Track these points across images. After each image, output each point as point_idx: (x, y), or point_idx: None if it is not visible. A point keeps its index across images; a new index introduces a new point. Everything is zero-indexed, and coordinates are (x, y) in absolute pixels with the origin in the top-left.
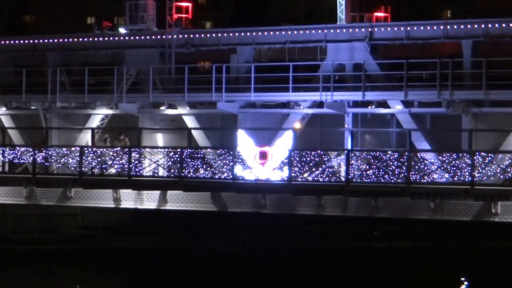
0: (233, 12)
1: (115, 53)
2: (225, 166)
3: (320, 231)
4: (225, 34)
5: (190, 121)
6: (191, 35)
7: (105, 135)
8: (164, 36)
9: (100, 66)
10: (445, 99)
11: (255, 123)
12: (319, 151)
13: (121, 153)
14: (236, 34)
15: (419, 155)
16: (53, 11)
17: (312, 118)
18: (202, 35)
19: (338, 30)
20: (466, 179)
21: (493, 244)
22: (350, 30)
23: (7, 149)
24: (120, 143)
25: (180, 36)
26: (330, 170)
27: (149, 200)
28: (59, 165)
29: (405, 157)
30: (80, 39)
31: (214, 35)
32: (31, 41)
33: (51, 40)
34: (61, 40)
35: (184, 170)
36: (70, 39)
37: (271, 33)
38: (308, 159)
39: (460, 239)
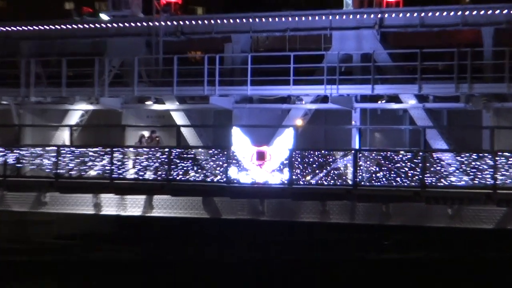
0: None
1: (96, 42)
2: (218, 168)
3: (324, 240)
4: (219, 21)
5: (179, 118)
6: (181, 22)
7: (140, 133)
8: (150, 23)
9: (79, 57)
10: (463, 93)
11: (252, 119)
12: (323, 151)
13: (102, 153)
14: (231, 21)
15: (434, 156)
16: None
17: (315, 114)
18: (193, 22)
19: (344, 17)
20: (488, 183)
21: None
22: (358, 16)
23: None
24: (152, 142)
25: (169, 23)
26: (336, 172)
27: (133, 206)
28: (33, 166)
29: (419, 157)
30: (58, 27)
31: (206, 22)
32: (3, 28)
33: (25, 28)
34: (36, 27)
35: (172, 172)
36: (46, 27)
37: (270, 19)
38: (311, 160)
39: (481, 249)
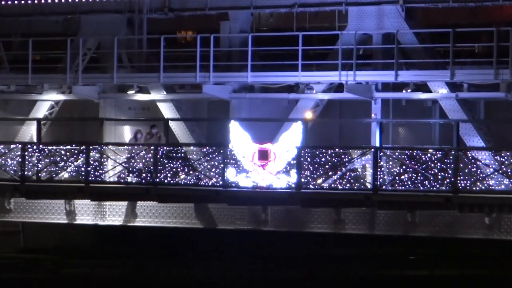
0: None
1: (68, 20)
2: (213, 169)
3: (338, 255)
4: None
5: (167, 110)
6: None
7: (136, 129)
8: None
9: (48, 37)
10: (504, 80)
11: (253, 112)
12: (337, 150)
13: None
14: None
15: (469, 155)
16: None
17: (328, 105)
18: None
19: None
20: None
21: None
22: None
23: None
24: (151, 139)
25: None
26: (352, 175)
27: (113, 214)
28: None
29: (451, 157)
30: (22, 2)
31: None
32: None
33: None
34: None
35: (159, 175)
36: (9, 1)
37: None
38: (323, 159)
39: None
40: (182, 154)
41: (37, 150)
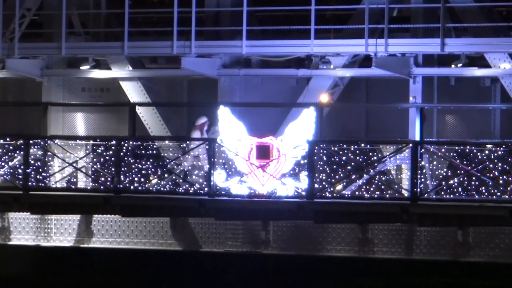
0: None
1: None
2: (196, 171)
3: (365, 286)
4: None
5: (133, 92)
6: None
7: (202, 120)
8: None
9: None
10: None
11: (250, 94)
12: (362, 145)
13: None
14: None
15: None
16: None
17: (350, 85)
18: None
19: None
20: None
21: None
22: None
23: None
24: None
25: None
26: (383, 179)
27: (61, 232)
28: None
29: None
30: None
31: None
32: None
33: None
34: None
35: (123, 179)
36: None
37: None
38: (343, 158)
39: None
40: (154, 151)
41: None
